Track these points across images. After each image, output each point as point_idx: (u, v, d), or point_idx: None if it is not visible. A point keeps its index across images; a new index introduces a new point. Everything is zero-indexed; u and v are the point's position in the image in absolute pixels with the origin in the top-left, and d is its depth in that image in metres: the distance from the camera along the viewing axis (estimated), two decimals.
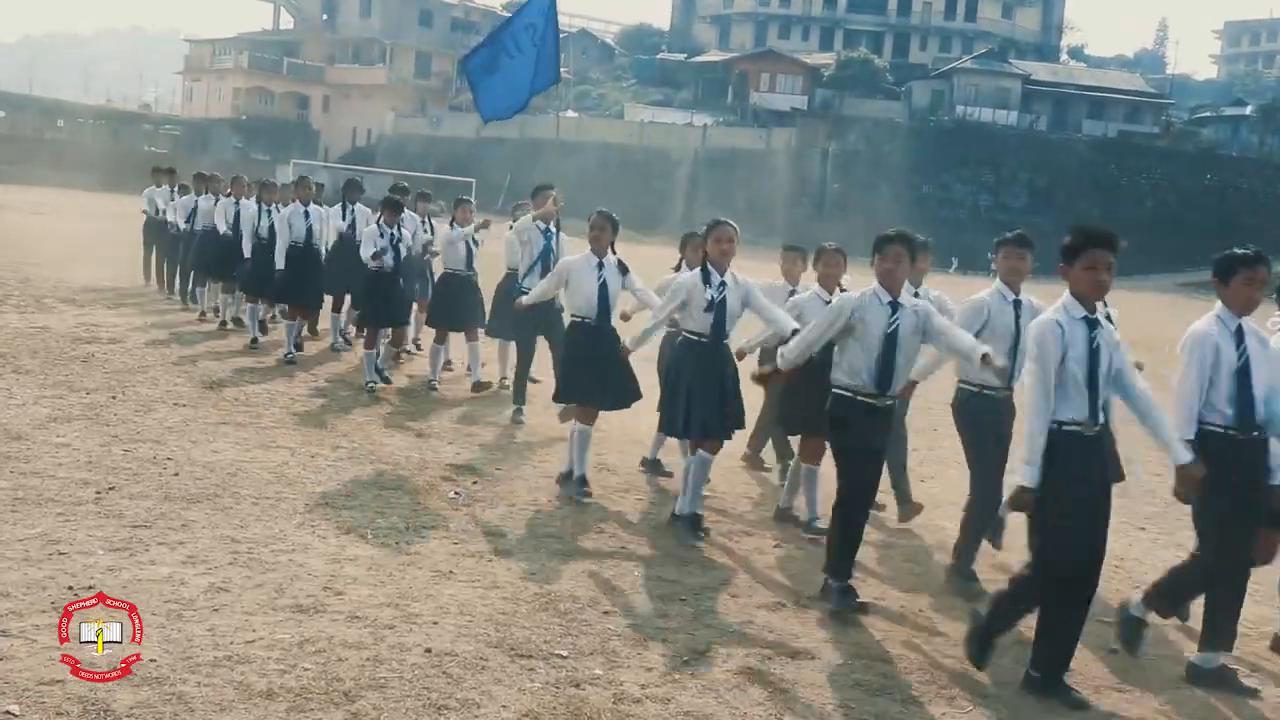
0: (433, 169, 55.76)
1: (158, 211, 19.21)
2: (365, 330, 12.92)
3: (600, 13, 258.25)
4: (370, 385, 12.30)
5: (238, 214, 15.66)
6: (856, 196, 63.19)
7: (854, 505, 6.73)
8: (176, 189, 19.06)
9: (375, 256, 12.22)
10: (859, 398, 6.69)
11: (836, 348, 6.82)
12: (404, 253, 12.80)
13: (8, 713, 4.47)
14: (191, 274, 17.68)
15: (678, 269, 9.61)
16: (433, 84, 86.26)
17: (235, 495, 7.84)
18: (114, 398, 10.66)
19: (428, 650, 5.49)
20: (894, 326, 6.62)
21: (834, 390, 6.81)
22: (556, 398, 9.50)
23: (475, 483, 8.94)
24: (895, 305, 6.68)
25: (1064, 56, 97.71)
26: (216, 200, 16.58)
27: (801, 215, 60.45)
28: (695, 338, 8.11)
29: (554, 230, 11.22)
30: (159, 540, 6.70)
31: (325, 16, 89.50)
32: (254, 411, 10.81)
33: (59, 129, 79.72)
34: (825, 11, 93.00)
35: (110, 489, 7.65)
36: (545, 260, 11.01)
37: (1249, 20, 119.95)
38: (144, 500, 7.47)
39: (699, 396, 7.98)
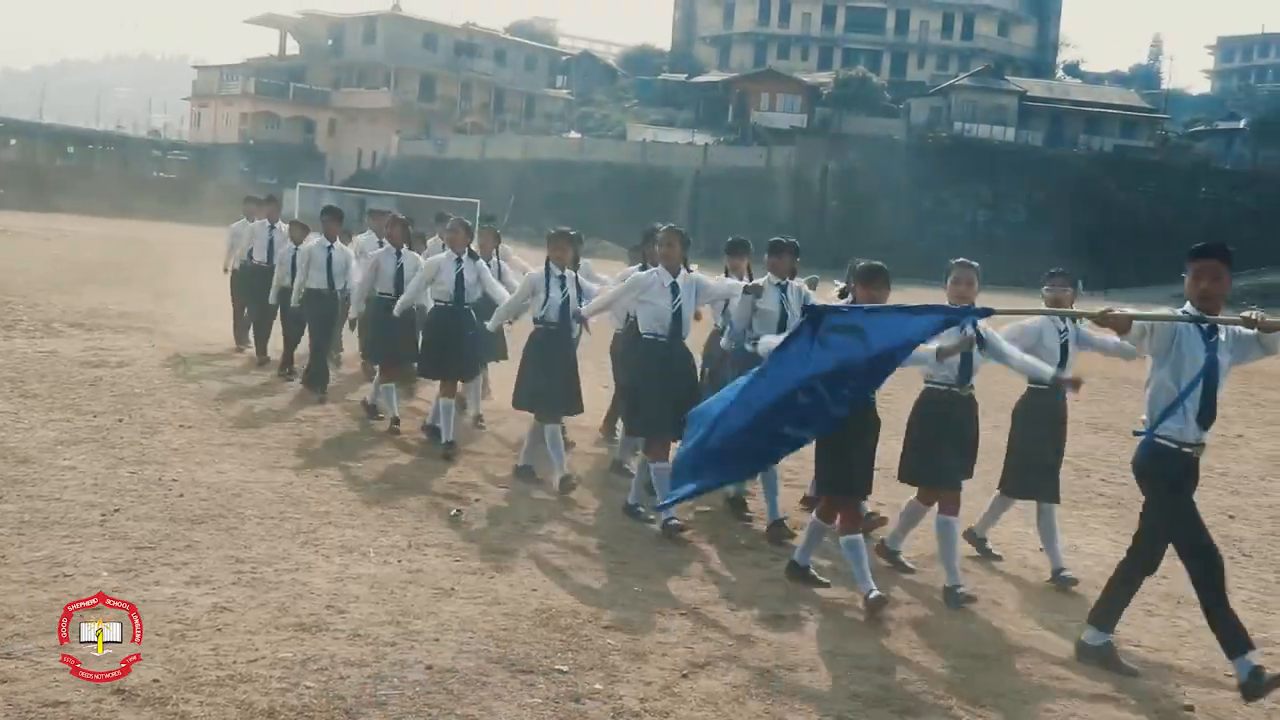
0: (439, 191, 55.71)
1: (251, 257, 15.46)
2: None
3: (602, 35, 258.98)
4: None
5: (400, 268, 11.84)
6: (856, 213, 63.23)
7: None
8: (274, 227, 15.31)
9: None
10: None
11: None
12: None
13: None
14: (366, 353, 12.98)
15: (843, 295, 8.58)
16: (437, 107, 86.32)
17: (239, 515, 7.83)
18: (121, 420, 10.65)
19: (429, 667, 5.47)
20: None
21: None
22: None
23: (477, 500, 8.93)
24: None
25: (1060, 73, 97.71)
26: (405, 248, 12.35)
27: (803, 232, 60.41)
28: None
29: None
30: (163, 561, 6.69)
31: (330, 42, 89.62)
32: (259, 433, 10.82)
33: (69, 156, 79.87)
34: (823, 31, 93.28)
35: (115, 511, 7.64)
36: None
37: (1242, 35, 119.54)
38: (149, 522, 7.46)
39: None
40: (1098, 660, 6.27)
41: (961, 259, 7.79)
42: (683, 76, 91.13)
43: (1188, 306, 6.02)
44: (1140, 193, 66.96)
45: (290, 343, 14.06)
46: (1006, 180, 67.76)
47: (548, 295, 9.47)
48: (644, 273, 8.91)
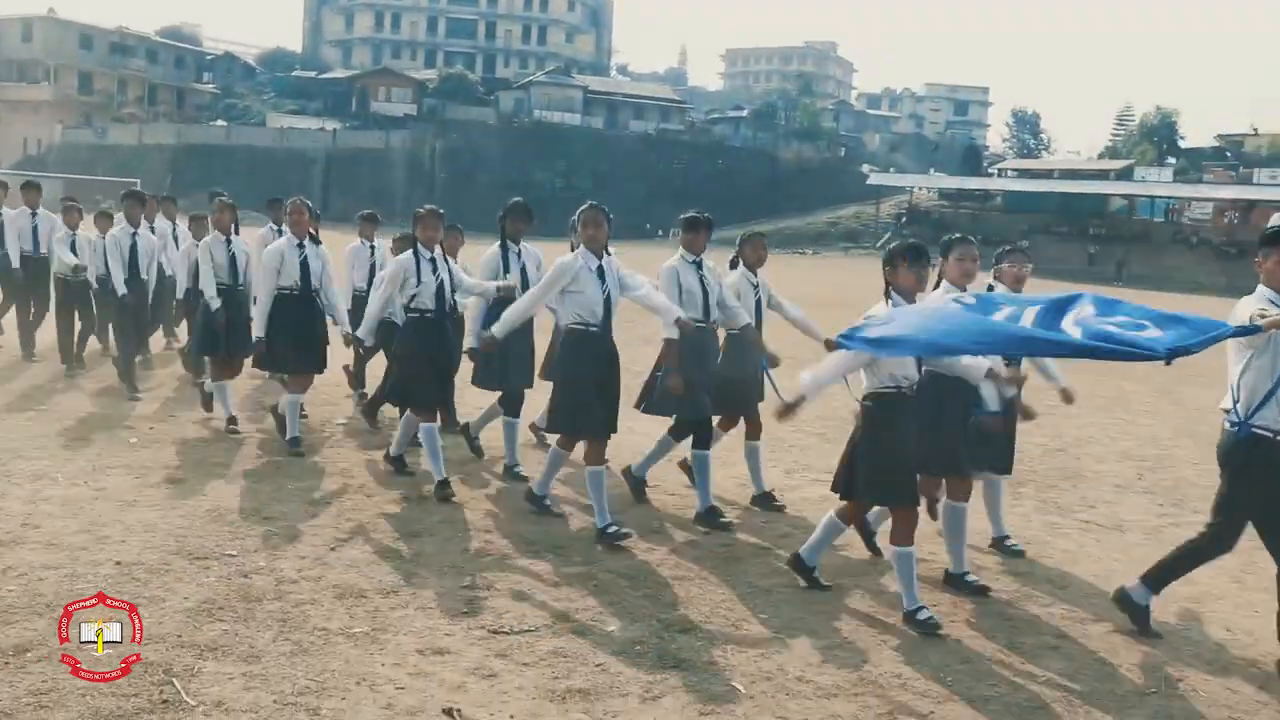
0: (101, 173, 51.26)
1: (35, 250, 11.68)
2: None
3: (242, 39, 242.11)
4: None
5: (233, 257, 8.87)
6: (460, 184, 62.93)
7: None
8: (36, 214, 11.73)
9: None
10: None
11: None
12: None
13: None
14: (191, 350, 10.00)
15: (734, 265, 7.32)
16: (95, 100, 78.79)
17: None
18: None
19: (118, 563, 5.35)
20: None
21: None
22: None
23: (152, 428, 8.60)
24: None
25: (613, 72, 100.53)
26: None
27: (417, 200, 59.43)
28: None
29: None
30: None
31: None
32: None
33: None
34: (428, 36, 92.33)
35: None
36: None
37: (743, 48, 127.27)
38: None
39: None
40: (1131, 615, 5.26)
41: (959, 235, 6.04)
42: (313, 74, 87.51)
43: (1267, 291, 4.76)
44: (675, 164, 70.52)
45: (66, 332, 11.19)
46: (577, 155, 69.35)
47: (420, 280, 7.11)
48: (568, 258, 6.38)
